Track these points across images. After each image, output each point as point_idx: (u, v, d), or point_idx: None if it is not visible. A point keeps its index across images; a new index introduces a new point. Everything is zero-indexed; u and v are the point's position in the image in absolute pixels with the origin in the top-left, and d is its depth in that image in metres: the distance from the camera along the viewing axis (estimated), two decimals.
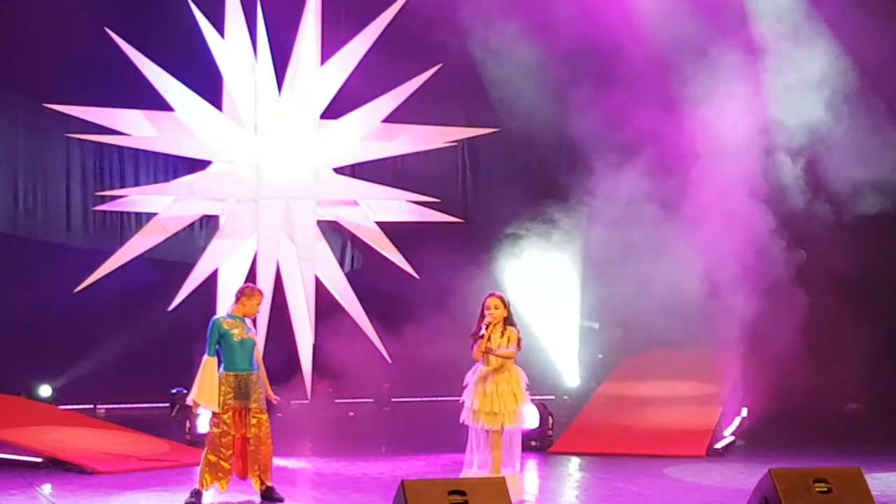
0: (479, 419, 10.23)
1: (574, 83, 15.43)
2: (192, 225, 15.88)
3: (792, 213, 15.09)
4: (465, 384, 10.45)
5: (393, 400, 16.51)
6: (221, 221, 15.78)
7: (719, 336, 14.54)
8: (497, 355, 10.22)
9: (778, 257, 14.64)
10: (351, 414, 16.05)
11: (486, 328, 10.25)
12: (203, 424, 12.17)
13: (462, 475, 10.16)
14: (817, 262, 14.88)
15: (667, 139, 14.83)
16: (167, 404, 15.53)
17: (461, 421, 10.43)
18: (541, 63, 15.64)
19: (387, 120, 16.08)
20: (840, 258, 14.72)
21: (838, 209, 15.32)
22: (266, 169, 15.67)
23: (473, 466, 10.32)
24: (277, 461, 11.10)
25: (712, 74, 14.82)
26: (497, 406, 10.23)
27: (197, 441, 12.57)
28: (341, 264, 16.43)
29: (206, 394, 10.38)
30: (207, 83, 15.47)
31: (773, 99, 15.18)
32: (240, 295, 10.64)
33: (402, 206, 16.28)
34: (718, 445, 13.57)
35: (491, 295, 10.46)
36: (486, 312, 10.31)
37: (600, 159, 15.42)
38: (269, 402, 10.70)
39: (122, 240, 15.65)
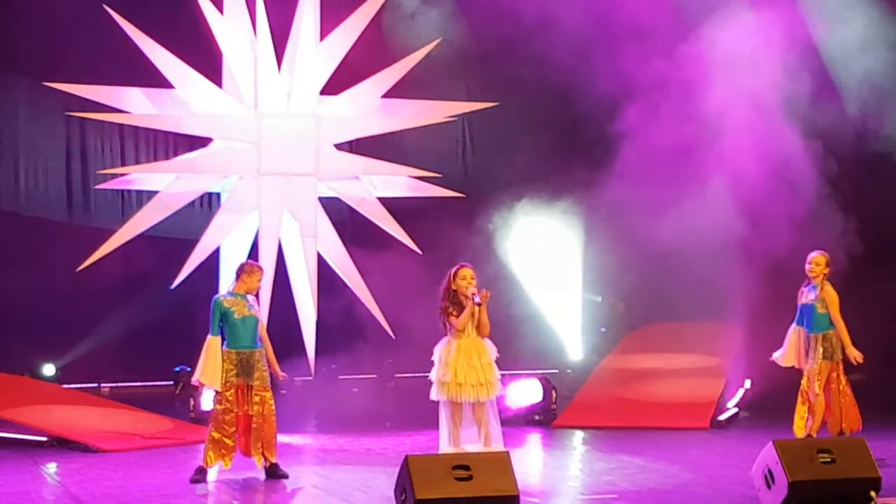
0: (464, 392, 10.15)
1: (575, 53, 15.29)
2: (193, 202, 15.86)
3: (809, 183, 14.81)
4: (434, 360, 10.33)
5: (396, 375, 16.52)
6: (223, 199, 15.77)
7: (723, 308, 14.51)
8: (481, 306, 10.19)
9: (787, 226, 14.41)
10: (354, 390, 16.07)
11: (477, 297, 10.19)
12: (207, 402, 12.19)
13: (456, 450, 10.05)
14: (825, 227, 14.63)
15: (674, 102, 14.57)
16: (171, 382, 15.56)
17: (435, 398, 10.31)
18: (541, 34, 15.54)
19: (387, 95, 16.04)
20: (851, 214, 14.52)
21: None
22: (267, 146, 15.64)
23: (458, 442, 10.22)
24: (281, 438, 11.12)
25: (719, 22, 14.56)
26: (482, 377, 10.19)
27: (201, 419, 12.61)
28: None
29: (209, 373, 10.40)
30: (207, 60, 15.43)
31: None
32: (240, 272, 10.65)
33: (403, 182, 16.25)
34: (722, 417, 13.58)
35: (466, 266, 10.36)
36: (462, 283, 10.23)
37: (601, 131, 15.32)
38: (273, 379, 10.71)
39: (124, 218, 15.64)
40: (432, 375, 10.33)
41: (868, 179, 15.46)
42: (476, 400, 10.17)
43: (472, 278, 10.24)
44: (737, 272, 14.40)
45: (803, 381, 11.48)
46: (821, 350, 11.32)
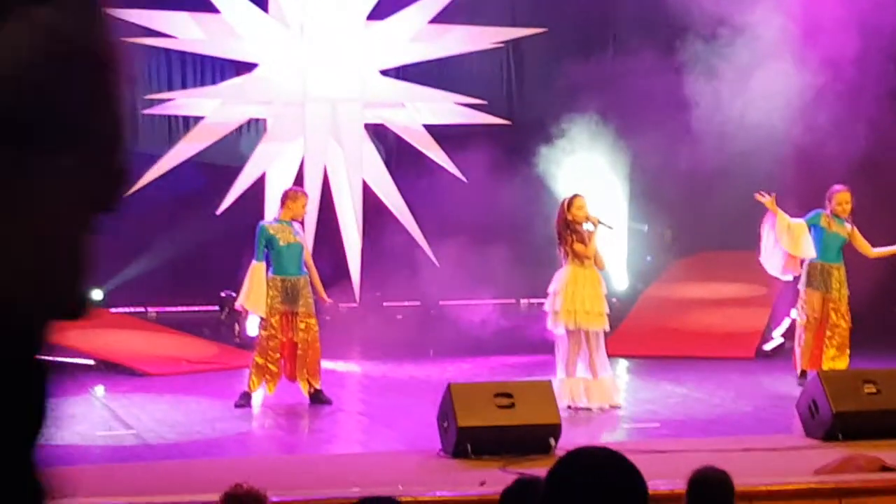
0: (584, 320, 10.32)
1: None
2: (240, 128, 15.86)
3: None
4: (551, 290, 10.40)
5: (440, 303, 16.53)
6: (268, 125, 15.74)
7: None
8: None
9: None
10: (399, 317, 16.09)
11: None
12: (252, 328, 12.26)
13: (569, 379, 10.16)
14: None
15: (731, 27, 14.13)
16: (216, 307, 15.64)
17: (552, 328, 10.41)
18: None
19: (433, 21, 15.90)
20: None
21: None
22: (312, 71, 15.56)
23: (573, 371, 10.33)
24: (325, 364, 11.18)
25: None
26: (598, 307, 10.51)
27: (246, 344, 12.67)
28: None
29: (253, 299, 10.46)
30: None
31: None
32: (284, 198, 10.65)
33: (449, 108, 16.15)
34: (767, 347, 13.52)
35: (579, 195, 10.63)
36: (579, 213, 10.42)
37: (650, 52, 15.01)
38: (318, 305, 10.74)
39: (171, 143, 15.66)
40: (548, 305, 10.38)
41: None
42: (593, 328, 10.27)
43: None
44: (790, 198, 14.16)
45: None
46: None
